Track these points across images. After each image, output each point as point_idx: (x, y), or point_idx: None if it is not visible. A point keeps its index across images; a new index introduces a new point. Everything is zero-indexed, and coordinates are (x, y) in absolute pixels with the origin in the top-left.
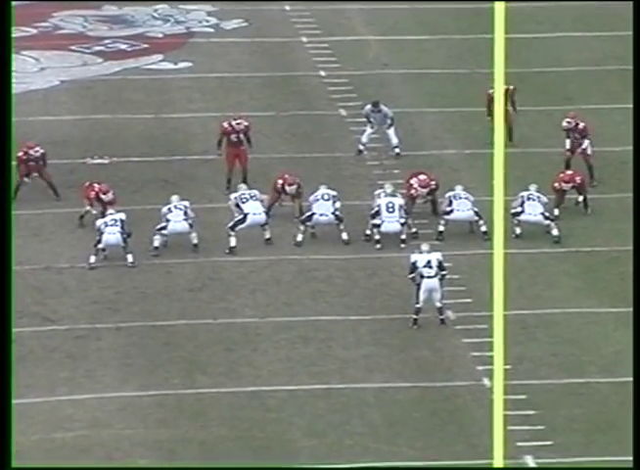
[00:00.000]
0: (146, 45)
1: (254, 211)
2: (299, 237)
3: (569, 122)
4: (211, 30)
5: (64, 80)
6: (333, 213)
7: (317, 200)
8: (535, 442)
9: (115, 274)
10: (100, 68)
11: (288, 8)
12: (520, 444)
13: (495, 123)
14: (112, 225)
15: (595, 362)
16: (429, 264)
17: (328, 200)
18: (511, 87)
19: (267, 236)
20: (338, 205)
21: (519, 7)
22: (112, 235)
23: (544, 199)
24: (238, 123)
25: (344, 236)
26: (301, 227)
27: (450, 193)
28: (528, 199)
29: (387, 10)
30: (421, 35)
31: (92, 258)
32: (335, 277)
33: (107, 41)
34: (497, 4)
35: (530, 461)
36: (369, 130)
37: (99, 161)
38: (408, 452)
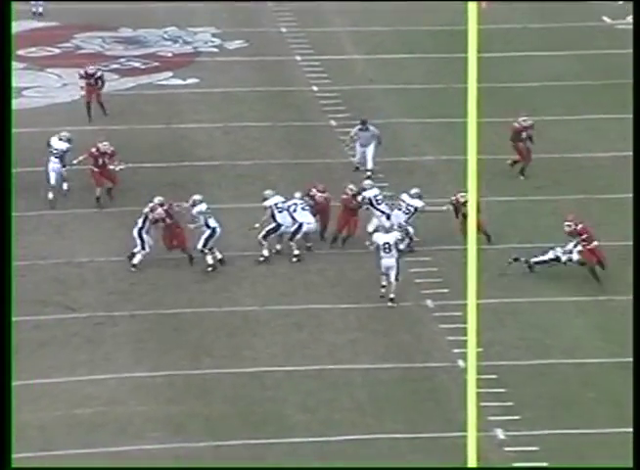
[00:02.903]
0: (157, 63)
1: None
2: (296, 251)
3: (569, 226)
4: (216, 50)
5: (84, 95)
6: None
7: (296, 210)
8: (505, 416)
9: (130, 266)
10: (116, 83)
11: (284, 30)
12: (491, 418)
13: (469, 130)
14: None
15: (558, 346)
16: (386, 245)
17: (283, 211)
18: (529, 123)
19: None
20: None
21: (489, 29)
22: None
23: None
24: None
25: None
26: (293, 244)
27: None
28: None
29: (372, 31)
30: (402, 54)
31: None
32: (326, 270)
33: (122, 60)
34: (470, 27)
35: (500, 434)
36: (359, 149)
37: (117, 166)
38: (391, 426)
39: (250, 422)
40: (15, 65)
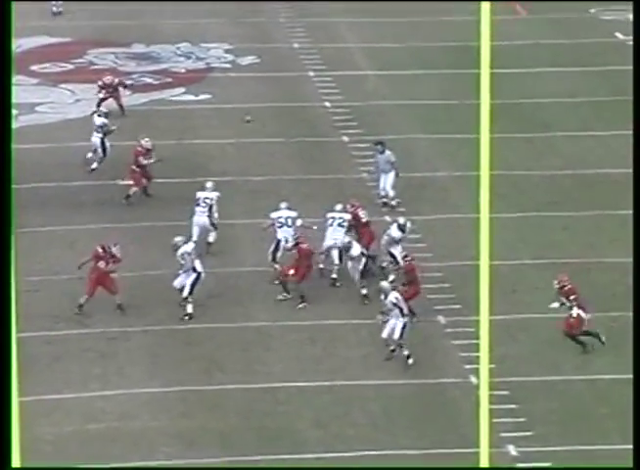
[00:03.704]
0: (170, 79)
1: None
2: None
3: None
4: (229, 66)
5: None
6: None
7: (280, 226)
8: (517, 432)
9: (143, 282)
10: (129, 99)
11: (296, 46)
12: (503, 434)
13: (481, 148)
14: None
15: (570, 362)
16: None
17: (283, 226)
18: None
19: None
20: (298, 223)
21: (502, 45)
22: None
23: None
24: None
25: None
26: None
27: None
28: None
29: (384, 47)
30: (415, 70)
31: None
32: (338, 285)
33: (135, 75)
34: (483, 42)
35: (513, 450)
36: (390, 179)
37: (129, 181)
38: (404, 442)
39: (262, 437)
40: (28, 80)
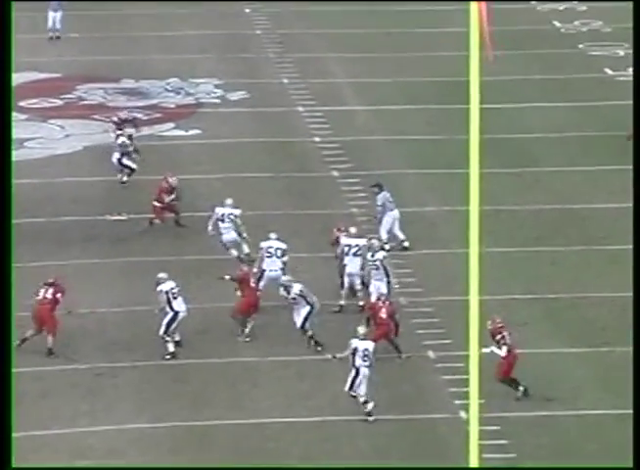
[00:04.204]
0: (159, 114)
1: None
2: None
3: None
4: (218, 101)
5: (86, 146)
6: (281, 269)
7: (268, 256)
8: (507, 468)
9: (132, 318)
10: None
11: (286, 81)
12: None
13: (471, 181)
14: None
15: (559, 397)
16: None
17: (272, 256)
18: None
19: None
20: (285, 258)
21: (490, 80)
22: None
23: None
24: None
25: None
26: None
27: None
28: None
29: (373, 82)
30: (403, 105)
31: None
32: (328, 321)
33: (125, 111)
34: (472, 77)
35: None
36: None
37: (118, 217)
38: None
39: None
40: (17, 116)
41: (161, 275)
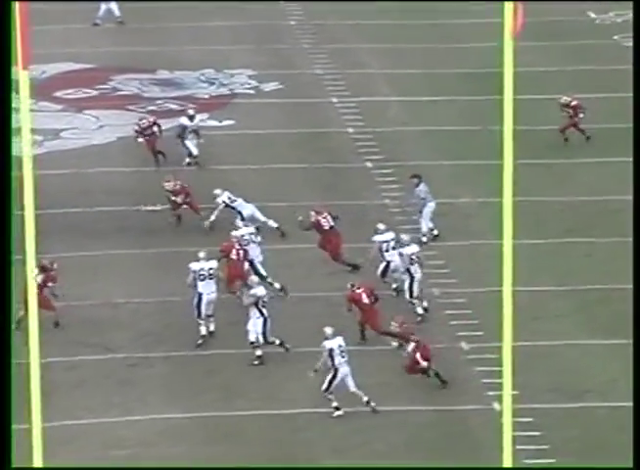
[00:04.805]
0: (193, 105)
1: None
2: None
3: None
4: (252, 92)
5: (120, 137)
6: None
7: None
8: (540, 459)
9: (164, 308)
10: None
11: (319, 72)
12: (526, 461)
13: (504, 172)
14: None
15: (592, 389)
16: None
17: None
18: None
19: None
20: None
21: (522, 71)
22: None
23: None
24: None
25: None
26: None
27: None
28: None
29: (406, 74)
30: (435, 96)
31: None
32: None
33: (159, 101)
34: (506, 68)
35: None
36: (425, 213)
37: (151, 208)
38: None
39: (281, 464)
40: (52, 106)
41: (201, 254)
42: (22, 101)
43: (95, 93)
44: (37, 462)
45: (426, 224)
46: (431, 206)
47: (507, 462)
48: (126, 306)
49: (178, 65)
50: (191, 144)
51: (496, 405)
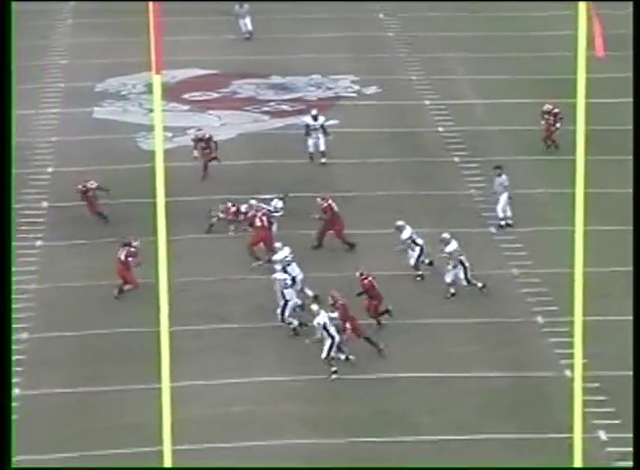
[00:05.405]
0: (303, 106)
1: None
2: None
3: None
4: (354, 95)
5: (240, 133)
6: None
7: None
8: (607, 420)
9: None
10: (267, 124)
11: (414, 77)
12: (594, 422)
13: (577, 167)
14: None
15: None
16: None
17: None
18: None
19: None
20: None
21: (595, 78)
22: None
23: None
24: None
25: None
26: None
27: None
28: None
29: (489, 80)
30: (516, 99)
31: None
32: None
33: (273, 103)
34: (580, 76)
35: (603, 435)
36: (501, 202)
37: (266, 196)
38: (503, 428)
39: (378, 422)
40: (180, 107)
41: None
42: (155, 102)
43: (217, 95)
44: (166, 415)
45: (501, 211)
46: (507, 195)
47: (577, 423)
48: (242, 283)
49: (290, 71)
50: (311, 142)
51: (568, 373)
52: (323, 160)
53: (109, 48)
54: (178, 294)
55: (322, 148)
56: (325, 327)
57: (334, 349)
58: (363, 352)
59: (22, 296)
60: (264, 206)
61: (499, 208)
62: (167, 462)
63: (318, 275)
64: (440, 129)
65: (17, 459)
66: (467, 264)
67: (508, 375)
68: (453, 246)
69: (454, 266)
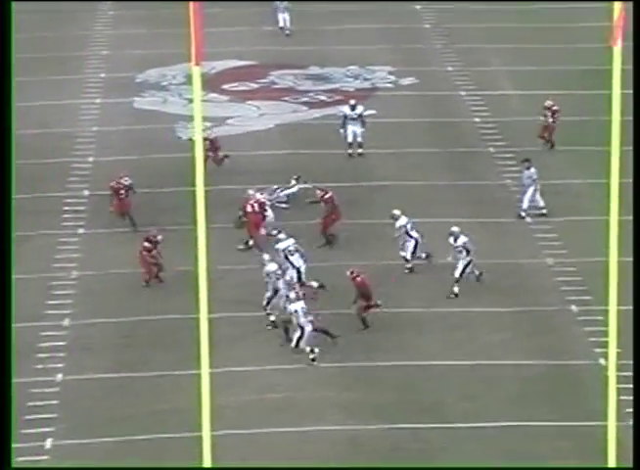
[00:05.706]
0: (340, 97)
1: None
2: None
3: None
4: (391, 86)
5: (278, 124)
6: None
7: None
8: None
9: (310, 274)
10: (305, 114)
11: (450, 69)
12: (628, 410)
13: (612, 157)
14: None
15: None
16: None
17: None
18: None
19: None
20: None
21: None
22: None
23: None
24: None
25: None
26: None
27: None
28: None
29: (525, 71)
30: (550, 90)
31: None
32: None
33: (311, 94)
34: (615, 66)
35: None
36: (528, 193)
37: (304, 185)
38: (538, 415)
39: (415, 408)
40: (220, 97)
41: (281, 236)
42: (195, 92)
43: (256, 86)
44: (205, 401)
45: (527, 201)
46: (532, 188)
47: (611, 410)
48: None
49: (327, 62)
50: (350, 131)
51: (602, 361)
52: (360, 150)
53: (149, 39)
54: (217, 281)
55: (359, 139)
56: (297, 316)
57: (303, 340)
58: (397, 339)
59: (64, 283)
60: (259, 195)
61: (525, 198)
62: (207, 448)
63: (341, 264)
64: (476, 120)
65: (57, 444)
66: (472, 259)
67: (543, 363)
68: (463, 239)
69: (463, 258)
